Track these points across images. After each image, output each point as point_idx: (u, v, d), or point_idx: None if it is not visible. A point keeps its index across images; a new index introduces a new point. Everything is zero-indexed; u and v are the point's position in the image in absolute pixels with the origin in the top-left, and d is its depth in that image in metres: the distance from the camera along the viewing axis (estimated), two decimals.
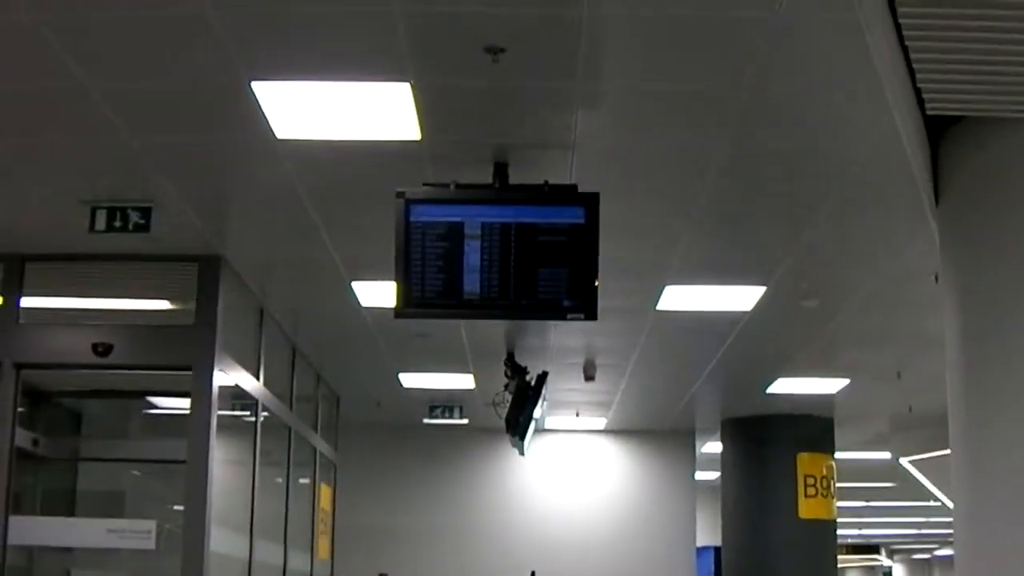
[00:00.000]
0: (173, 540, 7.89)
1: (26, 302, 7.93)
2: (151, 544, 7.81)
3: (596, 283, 6.01)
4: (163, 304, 8.50)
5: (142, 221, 6.93)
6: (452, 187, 6.04)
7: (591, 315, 6.05)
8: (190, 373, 7.88)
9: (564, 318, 6.16)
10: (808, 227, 7.25)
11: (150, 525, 7.87)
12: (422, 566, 14.69)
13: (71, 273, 8.11)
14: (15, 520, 7.73)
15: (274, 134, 5.90)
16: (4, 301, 7.90)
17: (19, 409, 7.89)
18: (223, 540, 8.18)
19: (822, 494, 13.91)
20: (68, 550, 8.65)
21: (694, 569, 15.56)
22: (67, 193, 6.83)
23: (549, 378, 10.52)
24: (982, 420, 4.22)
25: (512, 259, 5.97)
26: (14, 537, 7.70)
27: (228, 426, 8.51)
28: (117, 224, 6.92)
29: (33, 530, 8.03)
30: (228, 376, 8.27)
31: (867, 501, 24.75)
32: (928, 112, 4.16)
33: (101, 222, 6.92)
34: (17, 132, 6.03)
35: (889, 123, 5.14)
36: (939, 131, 4.48)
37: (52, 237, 7.65)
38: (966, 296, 4.40)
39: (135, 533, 7.86)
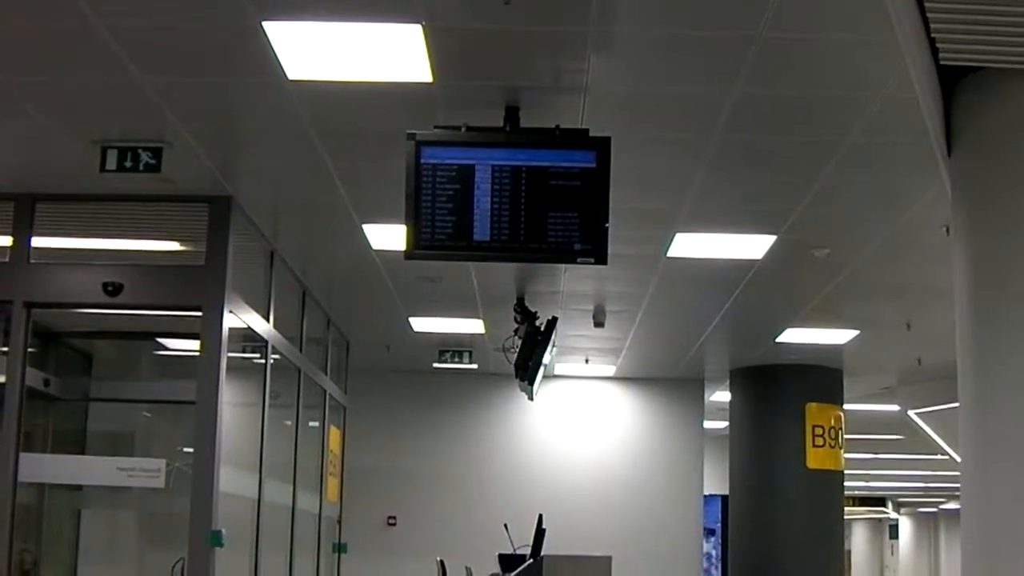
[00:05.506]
0: (182, 479, 7.94)
1: (36, 241, 7.93)
2: (160, 483, 7.87)
3: (606, 226, 5.99)
4: (173, 245, 8.50)
5: (153, 161, 6.93)
6: (463, 130, 6.02)
7: (601, 259, 6.04)
8: (200, 314, 7.89)
9: (574, 262, 6.13)
10: (819, 176, 7.23)
11: (159, 464, 7.93)
12: (430, 509, 14.82)
13: (81, 213, 8.10)
14: (26, 457, 7.77)
15: (286, 74, 5.88)
16: (15, 240, 7.90)
17: (30, 349, 7.91)
18: (232, 480, 8.23)
19: (830, 444, 13.94)
20: (78, 489, 8.73)
21: (701, 517, 15.64)
22: (78, 133, 6.82)
23: (559, 324, 10.53)
24: (990, 373, 4.22)
25: (522, 202, 5.97)
26: (25, 474, 7.74)
27: (238, 367, 8.53)
28: (128, 164, 6.92)
29: (44, 467, 8.08)
30: (238, 317, 8.29)
31: (875, 453, 24.80)
32: (941, 62, 4.15)
33: (112, 162, 6.92)
34: (27, 71, 6.00)
35: (902, 73, 5.12)
36: (952, 81, 4.46)
37: (63, 177, 7.64)
38: (976, 248, 4.39)
39: (145, 471, 7.92)
